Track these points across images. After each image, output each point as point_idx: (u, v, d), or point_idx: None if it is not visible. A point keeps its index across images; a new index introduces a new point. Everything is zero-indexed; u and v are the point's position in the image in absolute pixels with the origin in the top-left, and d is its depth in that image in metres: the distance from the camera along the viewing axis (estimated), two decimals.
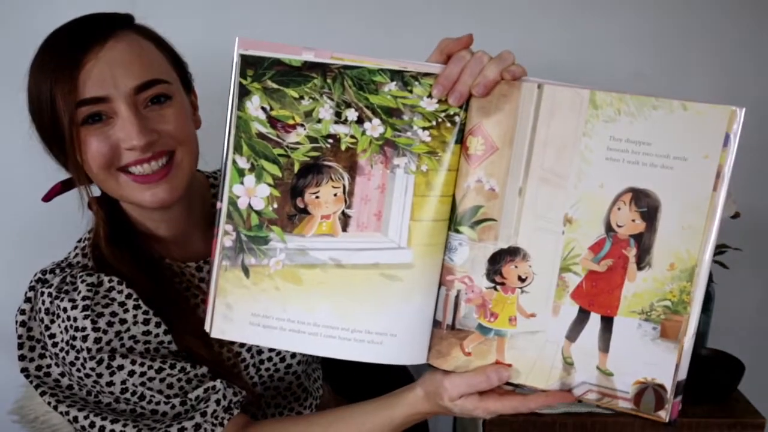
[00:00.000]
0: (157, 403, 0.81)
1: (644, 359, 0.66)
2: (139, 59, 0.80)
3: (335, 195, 0.69)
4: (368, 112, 0.67)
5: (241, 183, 0.69)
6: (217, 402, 0.81)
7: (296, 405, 1.00)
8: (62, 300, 0.80)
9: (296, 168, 0.68)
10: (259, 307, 0.70)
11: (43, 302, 0.81)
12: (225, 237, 0.70)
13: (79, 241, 0.90)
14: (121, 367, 0.79)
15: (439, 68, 0.67)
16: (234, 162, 0.69)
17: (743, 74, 1.49)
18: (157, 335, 0.82)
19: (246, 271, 0.70)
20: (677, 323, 0.65)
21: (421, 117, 0.67)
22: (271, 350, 0.94)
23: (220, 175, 0.70)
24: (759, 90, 1.50)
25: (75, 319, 0.79)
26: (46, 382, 0.83)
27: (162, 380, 0.80)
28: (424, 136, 0.68)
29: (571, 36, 1.45)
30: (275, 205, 0.69)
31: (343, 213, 0.69)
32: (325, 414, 0.83)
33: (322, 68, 0.67)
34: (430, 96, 0.67)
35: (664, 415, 0.67)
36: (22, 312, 0.83)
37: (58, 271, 0.85)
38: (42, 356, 0.83)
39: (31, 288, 0.84)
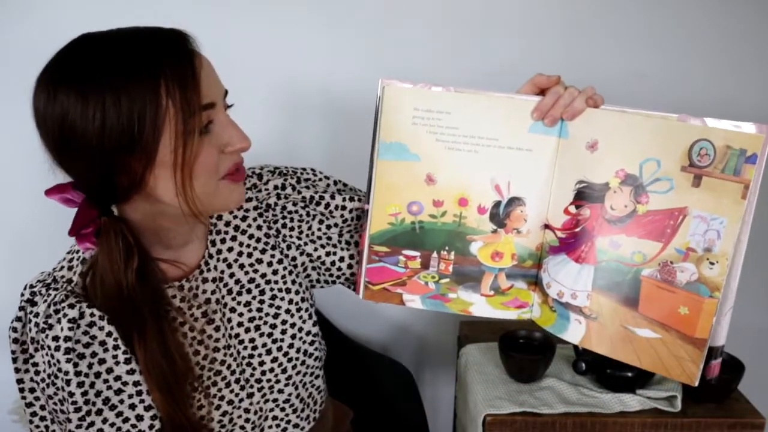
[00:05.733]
0: None
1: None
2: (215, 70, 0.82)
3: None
4: None
5: None
6: None
7: (294, 417, 0.98)
8: (47, 337, 0.80)
9: None
10: None
11: (30, 329, 0.82)
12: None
13: (69, 253, 0.88)
14: (91, 424, 0.82)
15: (536, 99, 0.83)
16: None
17: (744, 74, 1.48)
18: (132, 371, 0.82)
19: None
20: None
21: None
22: (259, 355, 0.93)
23: (367, 183, 0.88)
24: (761, 89, 1.49)
25: (58, 361, 0.79)
26: (35, 391, 0.84)
27: None
28: None
29: (571, 35, 1.44)
30: None
31: None
32: None
33: None
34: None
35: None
36: (14, 330, 0.83)
37: (44, 291, 0.83)
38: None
39: (21, 308, 0.83)
